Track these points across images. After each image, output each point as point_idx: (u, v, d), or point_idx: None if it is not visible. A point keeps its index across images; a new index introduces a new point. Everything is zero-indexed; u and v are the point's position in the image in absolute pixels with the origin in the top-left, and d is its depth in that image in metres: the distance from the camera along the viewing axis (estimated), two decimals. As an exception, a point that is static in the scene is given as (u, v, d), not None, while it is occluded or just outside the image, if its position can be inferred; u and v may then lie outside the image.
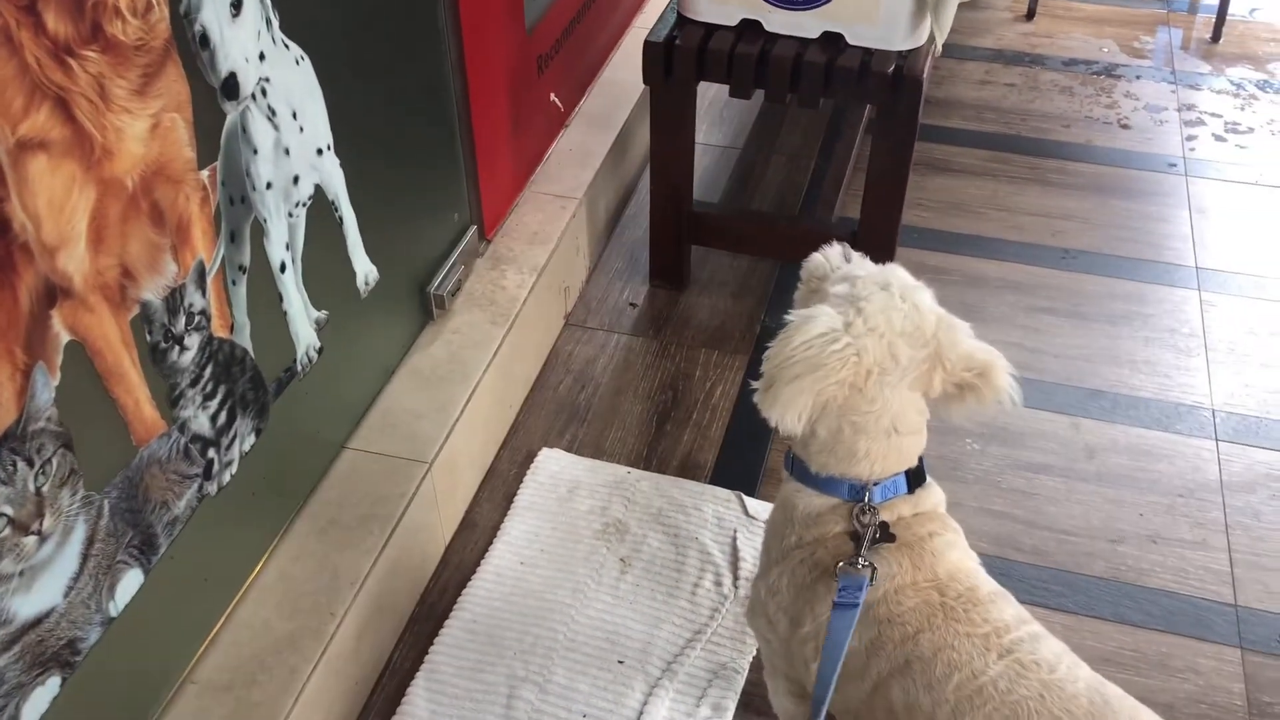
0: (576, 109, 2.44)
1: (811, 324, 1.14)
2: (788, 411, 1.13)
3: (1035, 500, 1.88)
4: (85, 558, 1.16)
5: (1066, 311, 2.26)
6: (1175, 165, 2.68)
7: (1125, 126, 2.81)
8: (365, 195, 1.59)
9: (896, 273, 1.21)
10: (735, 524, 1.82)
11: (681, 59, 1.97)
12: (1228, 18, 3.15)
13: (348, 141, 1.52)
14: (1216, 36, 3.15)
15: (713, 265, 2.40)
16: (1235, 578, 1.75)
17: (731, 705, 1.56)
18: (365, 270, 1.65)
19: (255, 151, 1.34)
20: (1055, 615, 1.70)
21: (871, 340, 1.13)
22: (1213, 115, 2.85)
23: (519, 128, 2.11)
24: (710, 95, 2.87)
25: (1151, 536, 1.82)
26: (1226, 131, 2.79)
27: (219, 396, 1.35)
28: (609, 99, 2.50)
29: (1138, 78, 3.00)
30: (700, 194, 2.40)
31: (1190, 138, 2.77)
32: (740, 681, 1.60)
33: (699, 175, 2.58)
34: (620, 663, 1.61)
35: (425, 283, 1.86)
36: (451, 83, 1.80)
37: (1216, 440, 1.98)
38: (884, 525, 1.19)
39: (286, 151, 1.40)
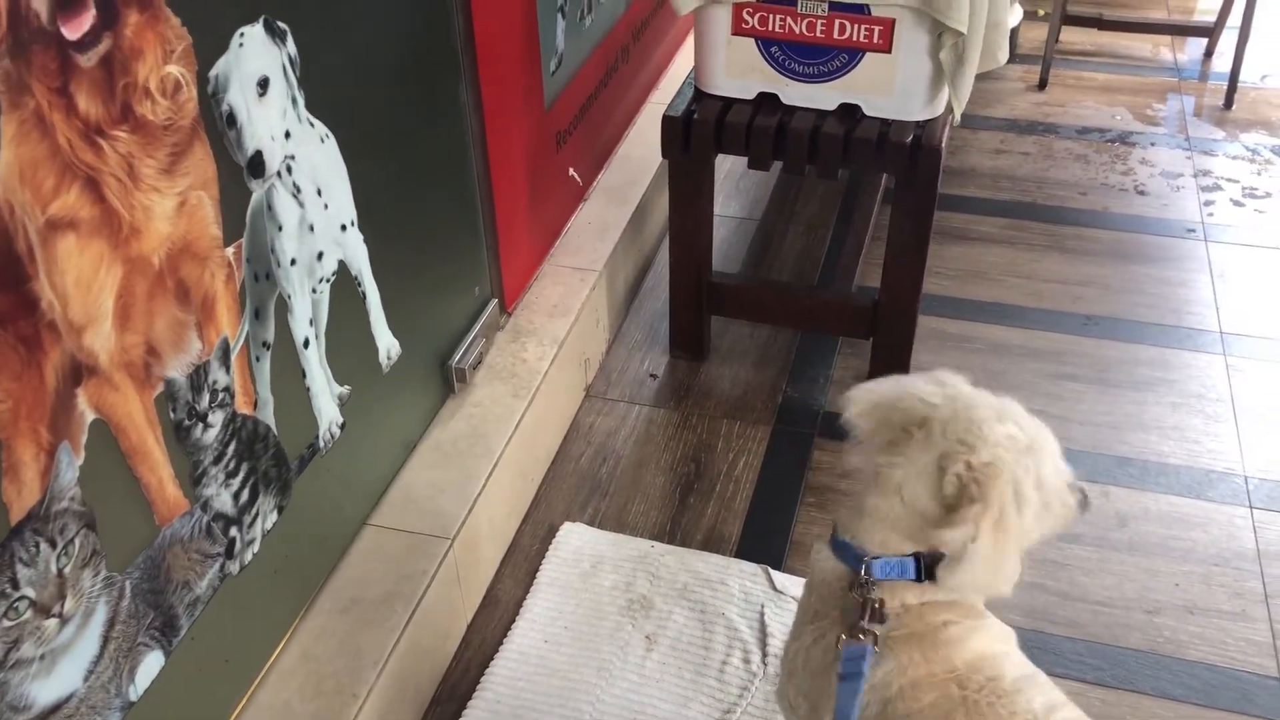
0: (595, 183, 2.46)
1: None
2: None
3: (1068, 571, 1.84)
4: (106, 640, 1.14)
5: (1091, 378, 2.24)
6: (1194, 230, 2.67)
7: (1142, 193, 2.81)
8: (388, 270, 1.59)
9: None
10: (762, 599, 1.79)
11: (699, 132, 1.98)
12: (1239, 85, 3.16)
13: (371, 217, 1.53)
14: (1229, 103, 3.16)
15: (733, 336, 2.39)
16: (1277, 649, 1.70)
17: (763, 787, 1.52)
18: (388, 345, 1.65)
19: (280, 228, 1.34)
20: (1093, 690, 1.66)
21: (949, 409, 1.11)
22: (1229, 180, 2.85)
23: (538, 202, 2.12)
24: (727, 166, 2.89)
25: (1188, 607, 1.78)
26: (1244, 196, 2.79)
27: (242, 474, 1.33)
28: (627, 172, 2.52)
29: (1152, 144, 3.01)
30: (719, 264, 2.40)
31: (1208, 203, 2.77)
32: (772, 762, 1.56)
33: (717, 246, 2.58)
34: (648, 743, 1.57)
35: (447, 356, 1.86)
36: (472, 158, 1.82)
37: (1251, 507, 1.94)
38: (880, 603, 1.12)
39: (311, 228, 1.40)
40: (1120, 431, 2.11)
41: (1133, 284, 2.50)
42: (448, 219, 1.80)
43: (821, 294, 2.33)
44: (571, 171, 2.29)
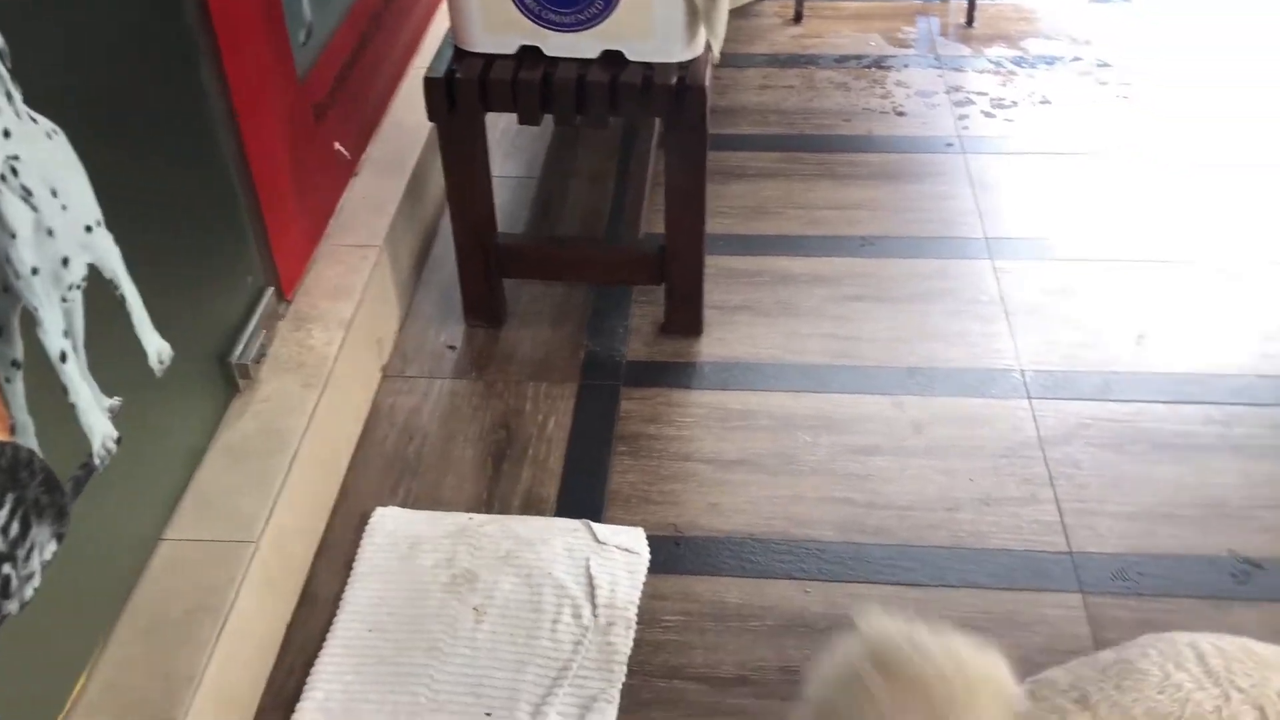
0: (365, 155, 2.37)
1: None
2: None
3: (871, 482, 1.92)
4: None
5: (873, 296, 2.33)
6: (952, 145, 2.80)
7: (901, 114, 2.93)
8: (147, 269, 1.49)
9: None
10: (586, 552, 1.79)
11: (464, 91, 1.94)
12: (978, 2, 3.33)
13: (119, 215, 1.42)
14: (970, 20, 3.32)
15: (528, 297, 2.37)
16: (1066, 526, 1.82)
17: (607, 737, 1.53)
18: (158, 348, 1.55)
19: (14, 236, 1.23)
20: (909, 590, 1.74)
21: None
22: (979, 94, 3.00)
23: (304, 180, 2.03)
24: (500, 127, 2.85)
25: (984, 499, 1.88)
26: (993, 107, 2.94)
27: (7, 506, 1.23)
28: (397, 142, 2.44)
29: (906, 66, 3.14)
30: (504, 226, 2.36)
31: (962, 117, 2.91)
32: (613, 711, 1.56)
33: (500, 207, 2.54)
34: (488, 715, 1.55)
35: (226, 353, 1.76)
36: (224, 141, 1.72)
37: (1030, 398, 2.07)
38: None
39: (50, 232, 1.29)
40: (907, 344, 2.20)
41: (902, 202, 2.61)
42: (205, 208, 1.69)
43: (608, 246, 2.33)
44: (337, 146, 2.20)
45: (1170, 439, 1.97)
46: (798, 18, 3.38)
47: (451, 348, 2.24)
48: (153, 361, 1.54)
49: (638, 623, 1.70)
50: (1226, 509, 1.86)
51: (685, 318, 2.24)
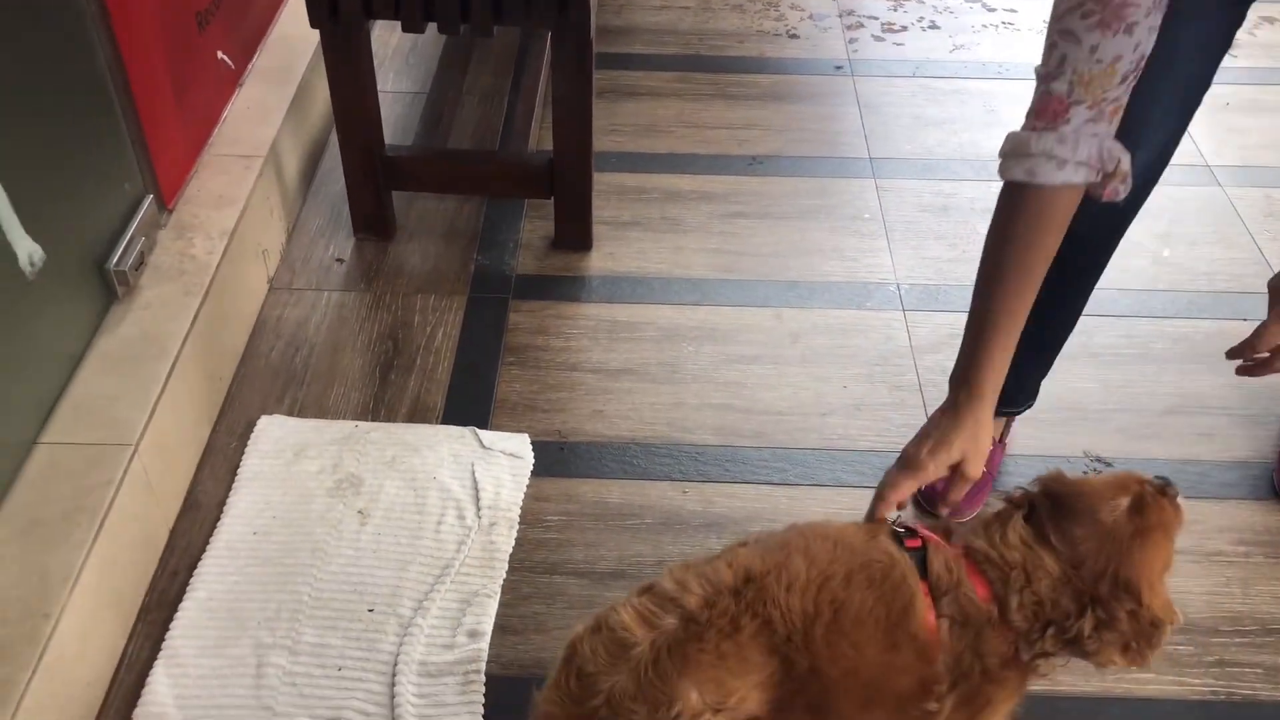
0: (250, 66, 2.34)
1: None
2: None
3: (750, 389, 1.98)
4: None
5: (758, 214, 2.38)
6: (842, 67, 2.85)
7: (794, 36, 2.97)
8: (15, 169, 1.47)
9: None
10: (472, 458, 1.83)
11: (347, -2, 1.92)
12: (872, -72, 3.36)
13: (-18, 111, 1.40)
14: (865, -54, 3.35)
15: (419, 211, 2.37)
16: (932, 429, 1.91)
17: (488, 628, 1.57)
18: (28, 250, 1.53)
19: None
20: (780, 490, 1.81)
21: None
22: (870, 18, 3.05)
23: (185, 88, 2.00)
24: (393, 45, 2.82)
25: (856, 405, 1.96)
26: (884, 32, 2.99)
27: None
28: (283, 54, 2.41)
29: (800, -10, 3.17)
30: (395, 140, 2.36)
31: (852, 40, 2.95)
32: (493, 605, 1.61)
33: (392, 123, 2.54)
34: (370, 611, 1.59)
35: (103, 259, 1.74)
36: (98, 42, 1.68)
37: (904, 310, 2.15)
38: None
39: (-94, 124, 1.27)
40: (787, 259, 2.26)
41: (791, 123, 2.65)
42: (78, 110, 1.66)
43: (497, 158, 2.34)
44: (221, 54, 2.16)
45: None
46: (695, -61, 3.37)
47: (340, 260, 2.24)
48: (23, 263, 1.52)
49: (520, 523, 1.74)
50: (1084, 412, 1.96)
51: (574, 232, 2.26)
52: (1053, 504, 1.20)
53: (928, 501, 1.70)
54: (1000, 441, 1.85)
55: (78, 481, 1.53)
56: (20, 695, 1.30)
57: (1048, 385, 1.81)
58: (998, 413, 1.56)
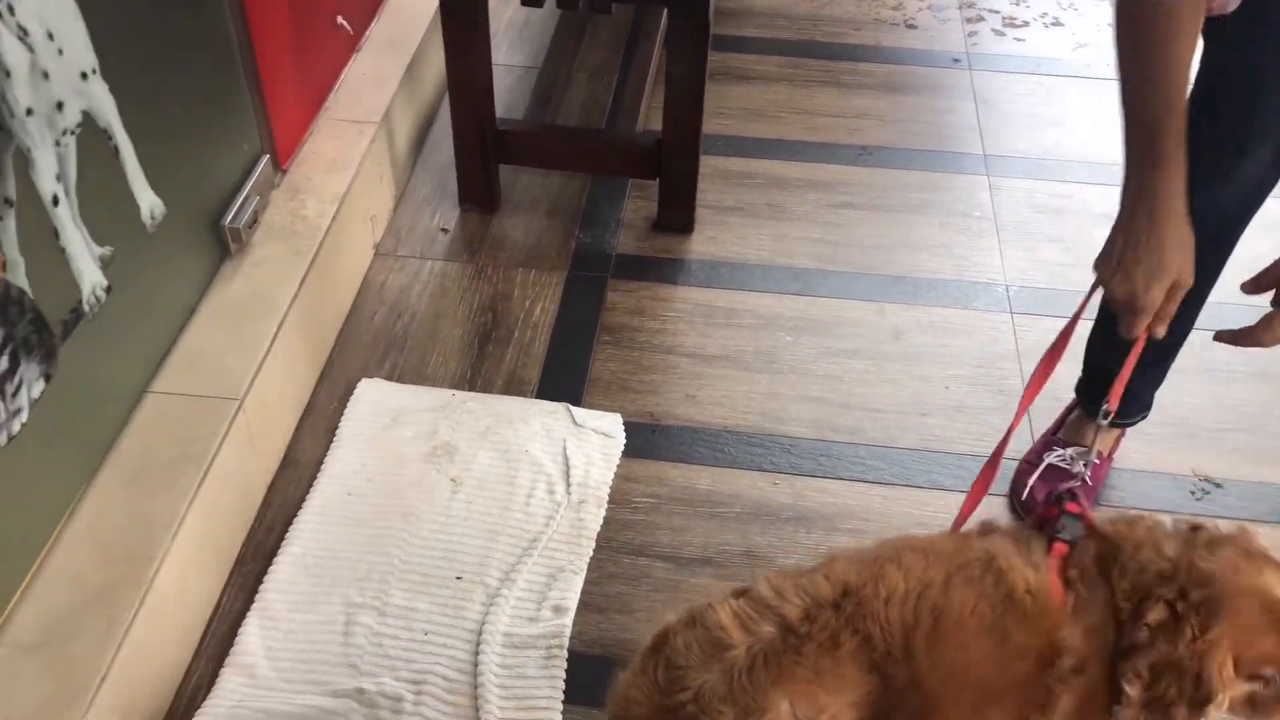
0: (367, 33, 2.36)
1: None
2: None
3: (848, 384, 1.95)
4: None
5: (866, 205, 2.34)
6: (959, 60, 2.79)
7: (911, 26, 2.91)
8: (142, 124, 1.50)
9: None
10: (564, 434, 1.83)
11: (468, -30, 1.93)
12: (999, -81, 3.27)
13: (116, 67, 1.43)
14: (989, -63, 3.27)
15: (524, 186, 2.38)
16: (1035, 435, 1.86)
17: (572, 604, 1.58)
18: (150, 203, 1.57)
19: (8, 75, 1.24)
20: (874, 488, 1.78)
21: None
22: (991, 11, 2.97)
23: (305, 51, 2.03)
24: (507, 17, 2.83)
25: (957, 406, 1.92)
26: (1004, 26, 2.91)
27: (-4, 340, 1.26)
28: (400, 22, 2.43)
29: (920, -20, 3.10)
30: (504, 113, 2.37)
31: (972, 34, 2.88)
32: (579, 581, 1.61)
33: (502, 96, 2.54)
34: (458, 578, 1.61)
35: (219, 216, 1.78)
36: (225, 4, 1.72)
37: (1012, 313, 2.09)
38: None
39: (45, 75, 1.30)
40: (893, 252, 2.22)
41: (904, 114, 2.60)
42: (203, 69, 1.70)
43: (605, 136, 2.33)
44: (340, 19, 2.19)
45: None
46: (815, -77, 3.32)
47: (444, 230, 2.26)
48: (145, 216, 1.56)
49: (609, 503, 1.74)
50: (1195, 429, 1.89)
51: (677, 214, 2.25)
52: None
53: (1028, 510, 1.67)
54: (1108, 456, 1.80)
55: (184, 431, 1.57)
56: (123, 635, 1.34)
57: (1157, 398, 1.75)
58: (1111, 424, 1.51)
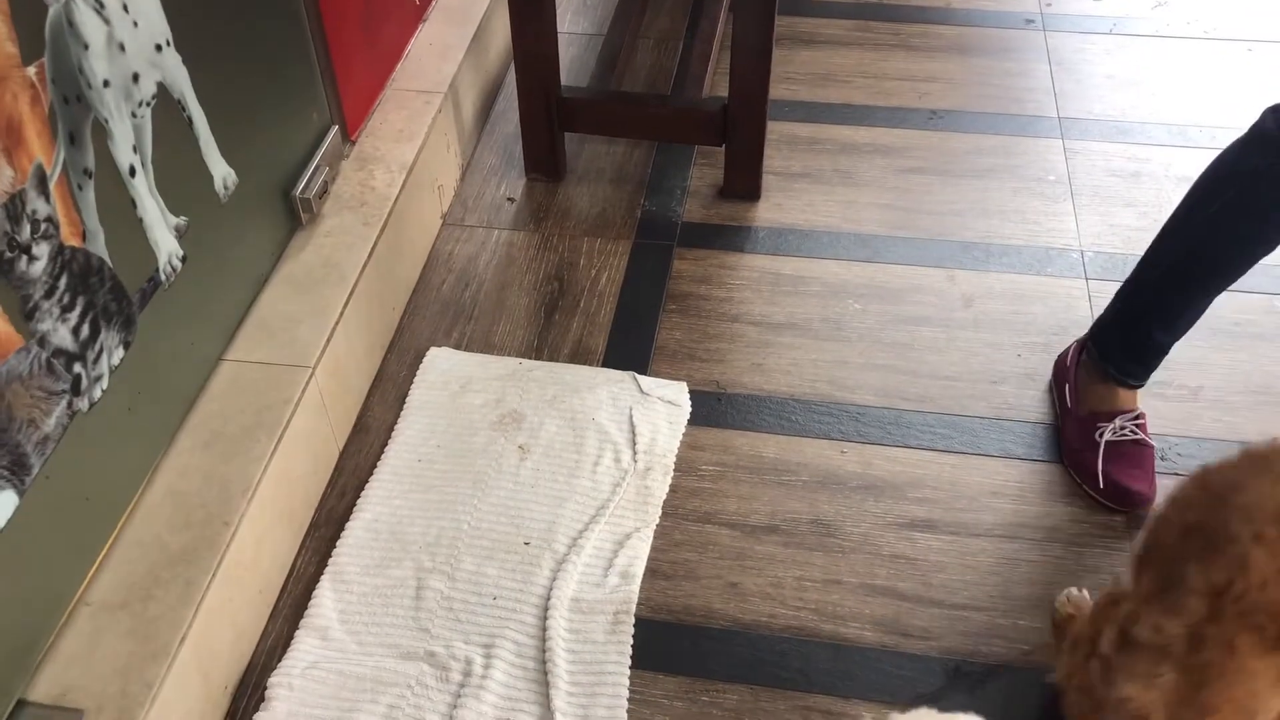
0: (433, 3, 2.37)
1: None
2: None
3: (917, 352, 1.93)
4: (-49, 480, 1.12)
5: (936, 170, 2.30)
6: (1033, 21, 2.72)
7: (983, -13, 2.84)
8: (214, 95, 1.53)
9: None
10: (630, 402, 1.83)
11: (533, -64, 1.92)
12: (1075, -126, 3.18)
13: (188, 37, 1.45)
14: (1065, -106, 3.18)
15: (589, 154, 2.37)
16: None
17: (639, 570, 1.59)
18: (223, 174, 1.59)
19: (86, 47, 1.27)
20: (944, 456, 1.76)
21: None
22: (1066, -29, 2.89)
23: (373, 22, 2.04)
24: (571, -16, 2.82)
25: (1029, 374, 1.88)
26: (1079, -15, 2.84)
27: (79, 308, 1.29)
28: (466, -9, 2.43)
29: (992, -61, 3.02)
30: (569, 81, 2.36)
31: (1046, -6, 2.81)
32: (646, 548, 1.62)
33: (567, 64, 2.54)
34: (526, 544, 1.62)
35: (290, 186, 1.80)
36: (295, -26, 1.73)
37: (1086, 279, 2.05)
38: None
39: (121, 47, 1.33)
40: (965, 218, 2.18)
41: (975, 77, 2.55)
42: (274, 40, 1.72)
43: (671, 102, 2.32)
44: (406, -9, 2.20)
45: (1228, 326, 1.94)
46: (884, -117, 3.25)
47: (511, 199, 2.27)
48: (218, 186, 1.59)
49: (675, 470, 1.74)
50: (1277, 397, 1.84)
51: (744, 181, 2.23)
52: None
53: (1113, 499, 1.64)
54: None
55: (258, 398, 1.60)
56: (201, 596, 1.37)
57: (1239, 365, 1.70)
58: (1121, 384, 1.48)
